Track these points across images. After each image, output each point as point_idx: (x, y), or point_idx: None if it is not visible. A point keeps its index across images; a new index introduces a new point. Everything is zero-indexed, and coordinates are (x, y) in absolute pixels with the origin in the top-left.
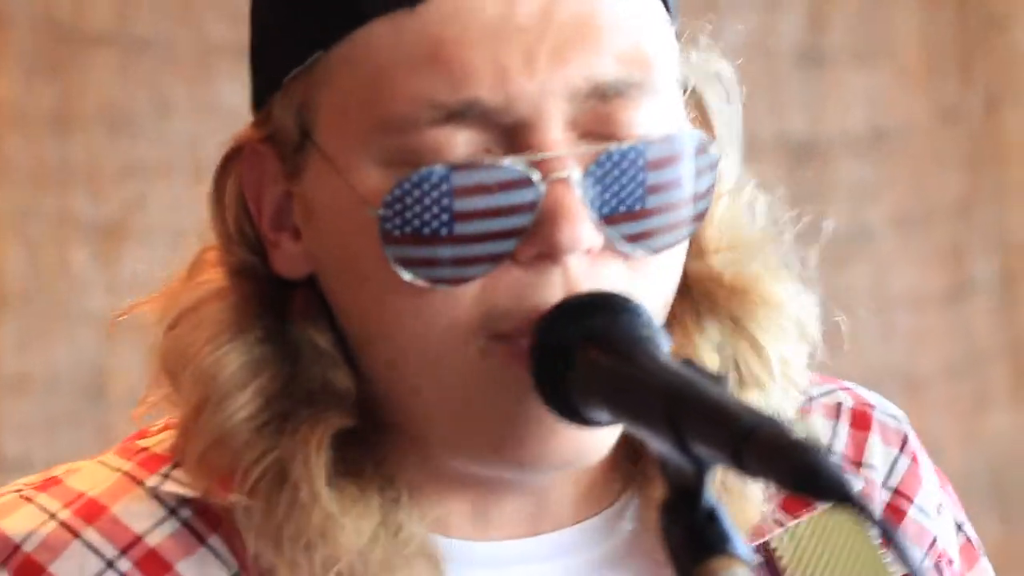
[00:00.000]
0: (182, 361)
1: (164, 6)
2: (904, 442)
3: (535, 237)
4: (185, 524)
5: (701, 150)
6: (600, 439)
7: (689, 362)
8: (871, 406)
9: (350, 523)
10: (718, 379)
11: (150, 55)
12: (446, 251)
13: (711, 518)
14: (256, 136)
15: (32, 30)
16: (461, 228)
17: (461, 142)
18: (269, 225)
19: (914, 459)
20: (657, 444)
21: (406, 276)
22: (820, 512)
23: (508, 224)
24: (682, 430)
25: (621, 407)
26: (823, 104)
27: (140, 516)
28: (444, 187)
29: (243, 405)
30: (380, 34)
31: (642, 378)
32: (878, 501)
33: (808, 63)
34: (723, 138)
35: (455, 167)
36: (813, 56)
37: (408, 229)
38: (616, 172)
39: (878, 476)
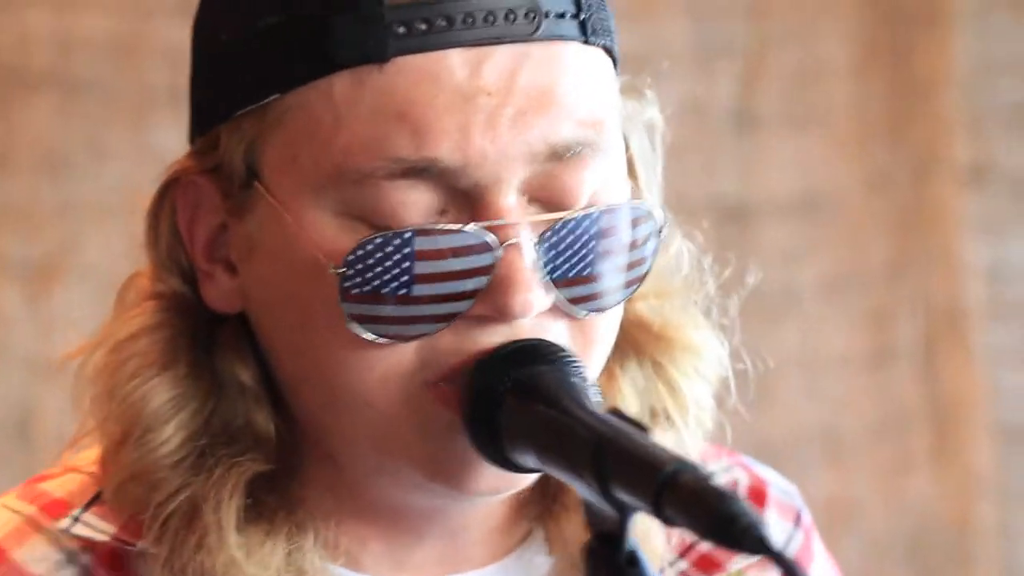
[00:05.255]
0: (108, 394)
1: (104, 50)
2: (798, 518)
3: (488, 300)
4: (84, 569)
5: (646, 217)
6: (523, 475)
7: (615, 411)
8: (766, 483)
9: (252, 568)
10: (643, 427)
11: (89, 98)
12: (403, 311)
13: (632, 562)
14: (195, 168)
15: None
16: (420, 290)
17: (418, 200)
18: (202, 255)
19: (807, 534)
20: (581, 489)
21: (360, 332)
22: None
23: (465, 287)
24: (606, 476)
25: (547, 452)
26: (755, 167)
27: (40, 561)
28: (407, 250)
29: (165, 440)
30: (342, 85)
31: (568, 424)
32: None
33: (741, 127)
34: (644, 183)
35: (418, 231)
36: (746, 120)
37: (367, 288)
38: (569, 239)
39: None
